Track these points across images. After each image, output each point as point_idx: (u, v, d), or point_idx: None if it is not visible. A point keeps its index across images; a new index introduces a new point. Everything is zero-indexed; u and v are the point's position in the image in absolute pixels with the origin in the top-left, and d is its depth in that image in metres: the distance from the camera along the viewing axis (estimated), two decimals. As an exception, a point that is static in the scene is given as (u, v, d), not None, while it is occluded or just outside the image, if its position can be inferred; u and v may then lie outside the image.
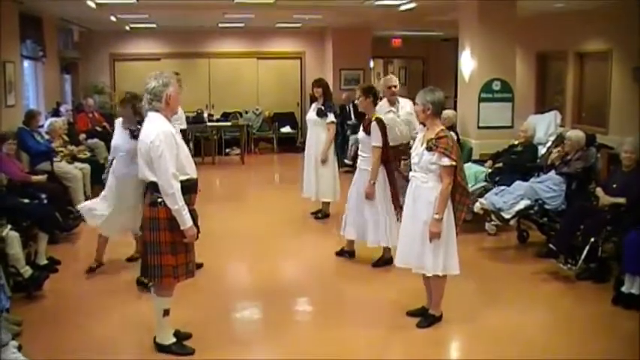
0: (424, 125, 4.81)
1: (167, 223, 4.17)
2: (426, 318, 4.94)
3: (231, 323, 5.16)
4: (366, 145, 6.17)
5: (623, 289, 5.34)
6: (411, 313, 5.04)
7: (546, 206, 6.70)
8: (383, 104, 6.99)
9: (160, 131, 4.11)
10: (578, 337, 4.82)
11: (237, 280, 6.38)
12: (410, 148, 5.89)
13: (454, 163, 4.59)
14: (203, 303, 5.42)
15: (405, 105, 7.10)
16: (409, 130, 7.01)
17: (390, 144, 6.22)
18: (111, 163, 6.11)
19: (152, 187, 4.20)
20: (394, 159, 6.34)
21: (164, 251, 4.21)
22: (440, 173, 4.63)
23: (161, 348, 4.44)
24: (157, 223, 4.19)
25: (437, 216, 4.60)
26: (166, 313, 4.41)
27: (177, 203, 4.08)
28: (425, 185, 4.69)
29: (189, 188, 4.23)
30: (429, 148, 4.62)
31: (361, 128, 6.32)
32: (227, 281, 6.27)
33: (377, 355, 4.56)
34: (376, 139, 6.03)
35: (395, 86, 7.12)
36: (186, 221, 4.14)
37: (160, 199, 4.16)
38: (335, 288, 5.91)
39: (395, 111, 7.06)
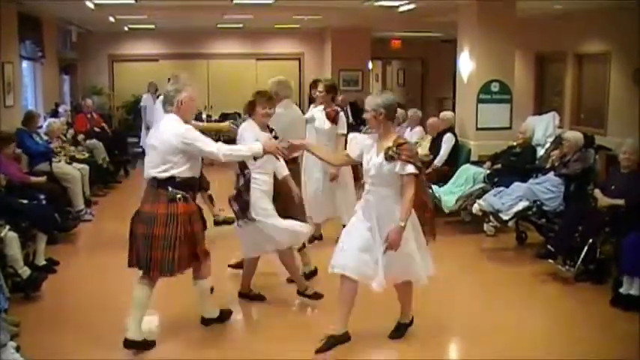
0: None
1: (185, 218, 4.34)
2: (399, 329, 4.74)
3: (229, 323, 5.15)
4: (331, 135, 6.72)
5: (622, 290, 5.34)
6: (394, 336, 4.75)
7: (545, 207, 6.70)
8: None
9: (183, 127, 4.33)
10: (576, 338, 4.82)
11: (235, 280, 6.36)
12: None
13: (419, 169, 4.22)
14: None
15: None
16: None
17: None
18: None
19: (170, 183, 4.32)
20: None
21: (179, 245, 4.33)
22: (403, 183, 4.21)
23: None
24: (176, 219, 4.31)
25: (402, 223, 4.13)
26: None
27: (238, 152, 4.51)
28: (388, 200, 4.27)
29: (192, 186, 4.46)
30: (389, 158, 4.19)
31: (325, 119, 6.75)
32: (224, 281, 6.25)
33: (374, 356, 4.56)
34: (342, 128, 6.68)
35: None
36: (255, 150, 4.42)
37: (178, 195, 4.30)
38: (332, 288, 5.90)
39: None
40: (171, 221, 4.31)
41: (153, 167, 4.37)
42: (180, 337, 4.74)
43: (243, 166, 4.96)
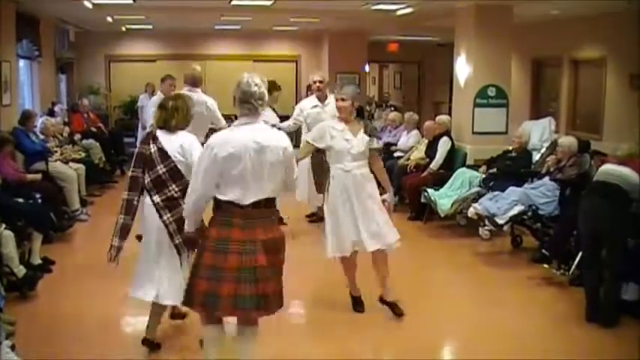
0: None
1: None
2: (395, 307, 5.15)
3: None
4: None
5: (616, 295, 5.36)
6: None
7: (540, 212, 6.73)
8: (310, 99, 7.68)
9: None
10: (571, 342, 4.85)
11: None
12: None
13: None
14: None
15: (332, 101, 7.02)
16: None
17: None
18: None
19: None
20: None
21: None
22: (373, 155, 5.08)
23: None
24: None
25: (392, 189, 5.32)
26: None
27: None
28: (364, 170, 5.01)
29: None
30: (370, 134, 5.03)
31: None
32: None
33: (372, 355, 4.58)
34: None
35: (320, 81, 7.45)
36: None
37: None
38: (329, 289, 5.92)
39: (321, 106, 7.38)
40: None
41: (274, 185, 3.79)
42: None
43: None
